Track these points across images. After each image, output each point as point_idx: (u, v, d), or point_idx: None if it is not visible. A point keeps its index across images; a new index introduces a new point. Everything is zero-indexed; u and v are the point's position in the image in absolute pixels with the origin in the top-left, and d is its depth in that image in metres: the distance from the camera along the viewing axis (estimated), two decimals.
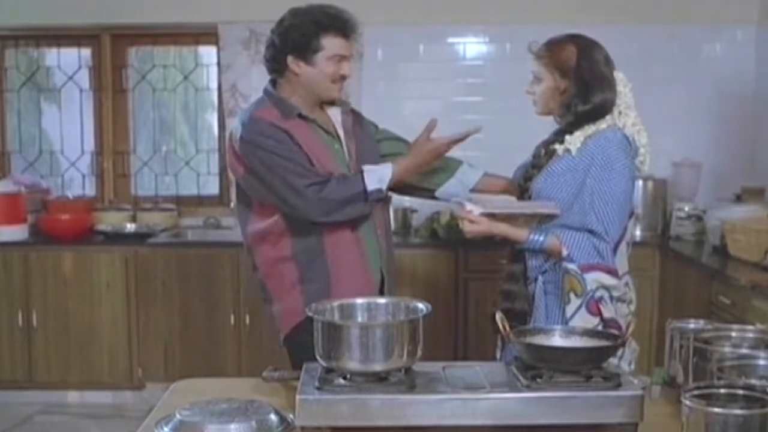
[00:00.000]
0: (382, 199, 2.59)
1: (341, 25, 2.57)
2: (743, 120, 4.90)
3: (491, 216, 2.38)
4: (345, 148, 2.66)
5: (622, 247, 2.40)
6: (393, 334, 1.76)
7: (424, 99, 4.99)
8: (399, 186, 2.77)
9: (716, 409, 1.51)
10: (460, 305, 4.52)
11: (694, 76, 4.91)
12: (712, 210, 4.33)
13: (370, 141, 2.76)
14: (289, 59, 2.57)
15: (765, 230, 3.63)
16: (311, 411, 1.71)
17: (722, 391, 1.62)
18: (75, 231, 4.77)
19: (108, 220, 4.96)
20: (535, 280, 2.43)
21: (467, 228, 2.39)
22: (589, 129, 2.39)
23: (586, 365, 1.79)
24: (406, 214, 4.83)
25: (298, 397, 1.71)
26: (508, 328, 1.86)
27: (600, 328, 2.25)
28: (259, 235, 2.66)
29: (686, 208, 4.58)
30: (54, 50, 5.32)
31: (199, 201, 5.33)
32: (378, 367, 1.76)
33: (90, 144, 5.33)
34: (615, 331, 2.10)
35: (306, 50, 2.55)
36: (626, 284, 2.40)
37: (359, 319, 1.95)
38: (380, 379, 1.77)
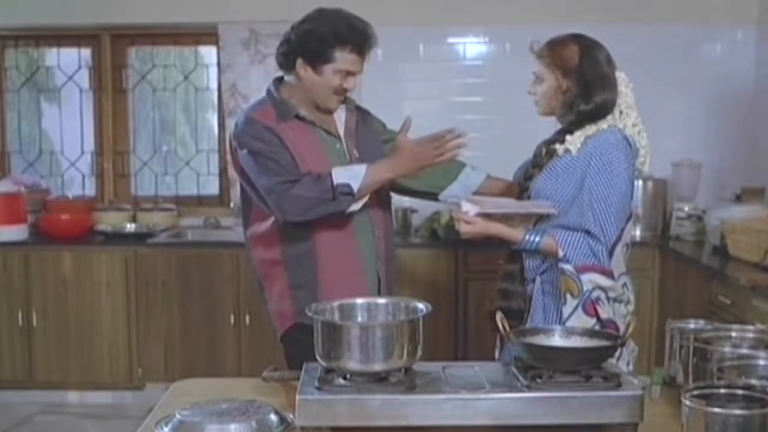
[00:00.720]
0: (352, 195, 2.49)
1: (361, 42, 2.53)
2: (743, 120, 4.90)
3: (487, 216, 2.38)
4: (345, 147, 2.66)
5: (620, 248, 2.39)
6: (393, 334, 1.76)
7: (424, 99, 5.00)
8: (400, 189, 2.79)
9: (716, 410, 1.52)
10: (460, 305, 4.52)
11: (694, 76, 4.91)
12: (712, 210, 4.33)
13: (374, 140, 2.73)
14: (299, 61, 2.55)
15: (765, 230, 3.63)
16: (311, 411, 1.71)
17: (722, 391, 1.62)
18: (75, 231, 4.77)
19: (108, 220, 4.96)
20: (533, 280, 2.43)
21: (463, 229, 2.39)
22: (590, 129, 2.40)
23: (585, 365, 1.79)
24: (406, 214, 4.83)
25: (298, 397, 1.71)
26: (507, 328, 1.86)
27: (597, 328, 2.25)
28: (256, 237, 2.68)
29: (686, 208, 4.58)
30: (54, 50, 5.32)
31: (199, 201, 5.33)
32: (378, 367, 1.76)
33: (90, 144, 5.33)
34: (613, 332, 2.10)
35: (317, 59, 2.53)
36: (624, 285, 2.40)
37: (359, 319, 1.95)
38: (380, 379, 1.77)
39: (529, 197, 2.45)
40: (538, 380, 1.77)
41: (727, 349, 1.90)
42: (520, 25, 4.62)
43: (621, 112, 2.43)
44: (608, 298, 2.33)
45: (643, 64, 4.57)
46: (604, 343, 1.88)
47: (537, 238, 2.35)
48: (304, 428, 1.71)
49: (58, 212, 4.88)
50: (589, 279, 2.31)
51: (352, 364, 1.76)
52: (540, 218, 2.41)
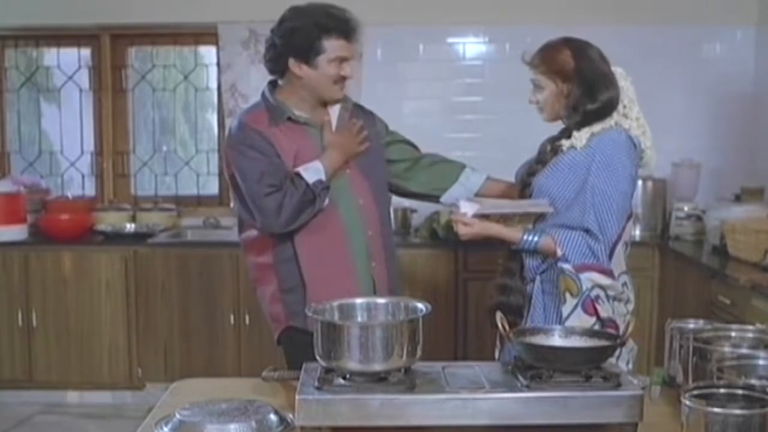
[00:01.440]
0: (327, 189, 2.53)
1: (343, 27, 2.56)
2: (743, 120, 4.90)
3: (485, 217, 2.38)
4: None
5: (620, 247, 2.39)
6: (393, 334, 1.76)
7: (424, 99, 5.00)
8: (401, 192, 2.80)
9: (716, 409, 1.51)
10: (459, 305, 4.53)
11: (694, 76, 4.91)
12: (712, 210, 4.33)
13: (373, 140, 2.72)
14: (291, 62, 2.56)
15: (764, 230, 3.63)
16: (311, 411, 1.71)
17: (722, 391, 1.62)
18: (75, 231, 4.77)
19: (108, 220, 4.96)
20: (533, 280, 2.43)
21: (461, 231, 2.39)
22: (597, 126, 2.40)
23: (585, 365, 1.79)
24: (406, 214, 4.83)
25: (297, 397, 1.72)
26: (507, 327, 1.86)
27: (597, 327, 2.25)
28: (249, 242, 2.69)
29: (686, 208, 4.58)
30: (54, 50, 5.32)
31: (199, 201, 5.33)
32: (378, 367, 1.76)
33: (90, 144, 5.33)
34: (612, 331, 2.10)
35: (308, 53, 2.54)
36: (624, 284, 2.40)
37: (359, 319, 1.95)
38: (380, 379, 1.77)
39: (531, 194, 2.45)
40: (538, 380, 1.77)
41: (726, 349, 1.90)
42: (519, 26, 4.63)
43: (624, 106, 2.43)
44: (608, 297, 2.33)
45: (643, 64, 4.56)
46: (603, 342, 1.88)
47: (535, 238, 2.35)
48: (304, 428, 1.71)
49: (57, 212, 4.88)
50: (589, 278, 2.31)
51: (352, 364, 1.75)
52: (540, 217, 2.42)
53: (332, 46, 2.54)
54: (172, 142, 5.40)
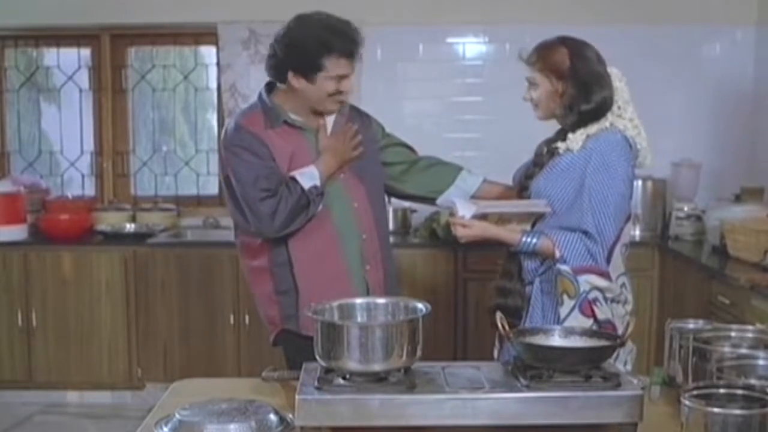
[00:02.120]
0: (322, 195, 2.54)
1: (346, 46, 2.52)
2: (742, 120, 4.90)
3: (484, 218, 2.38)
4: None
5: (618, 248, 2.39)
6: (392, 334, 1.76)
7: (424, 99, 5.00)
8: (398, 194, 2.80)
9: (716, 409, 1.52)
10: (459, 305, 4.52)
11: (693, 76, 4.91)
12: (712, 210, 4.33)
13: (369, 144, 2.71)
14: (290, 74, 2.55)
15: (764, 230, 3.63)
16: (311, 411, 1.71)
17: (722, 391, 1.62)
18: (74, 231, 4.77)
19: (107, 220, 4.96)
20: (531, 282, 2.43)
21: (460, 233, 2.39)
22: (592, 127, 2.40)
23: (585, 365, 1.80)
24: (406, 214, 4.83)
25: (297, 397, 1.72)
26: (507, 327, 1.86)
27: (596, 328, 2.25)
28: (245, 245, 2.69)
29: (685, 208, 4.58)
30: (53, 50, 5.32)
31: (199, 201, 5.33)
32: (377, 367, 1.76)
33: (89, 144, 5.33)
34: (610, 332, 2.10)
35: (308, 69, 2.52)
36: (622, 285, 2.40)
37: (359, 319, 1.95)
38: (380, 379, 1.77)
39: (529, 196, 2.45)
40: (538, 380, 1.77)
41: (726, 349, 1.90)
42: (519, 25, 4.62)
43: (619, 107, 2.43)
44: (605, 299, 2.33)
45: (642, 64, 4.59)
46: (603, 343, 1.88)
47: (534, 240, 2.35)
48: (304, 428, 1.71)
49: (57, 212, 4.88)
50: (586, 280, 2.30)
51: (352, 364, 1.75)
52: (538, 218, 2.42)
53: (333, 64, 2.52)
54: (172, 142, 5.40)
